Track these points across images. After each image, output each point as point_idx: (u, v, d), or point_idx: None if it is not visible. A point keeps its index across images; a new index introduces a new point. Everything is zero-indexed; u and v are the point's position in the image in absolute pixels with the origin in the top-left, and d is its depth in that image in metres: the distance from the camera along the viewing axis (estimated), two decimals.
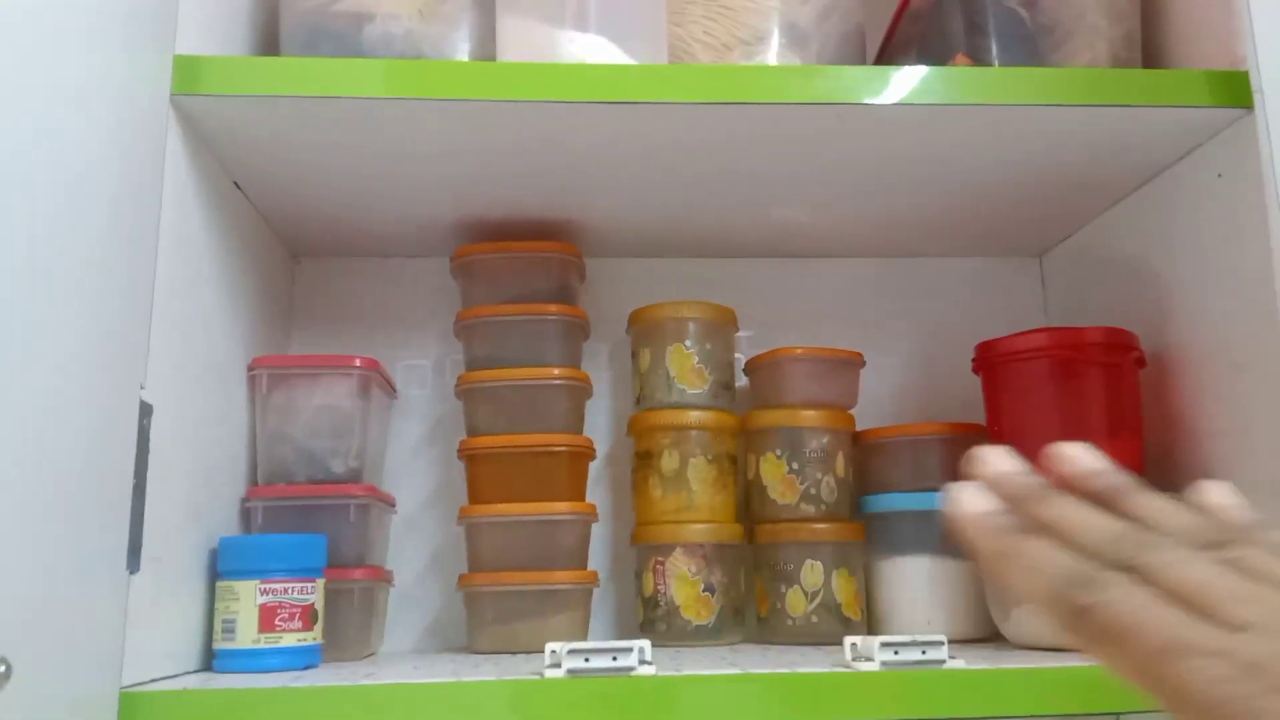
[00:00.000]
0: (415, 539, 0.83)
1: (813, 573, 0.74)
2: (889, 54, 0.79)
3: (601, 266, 0.88)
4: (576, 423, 0.78)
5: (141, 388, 0.54)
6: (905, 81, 0.63)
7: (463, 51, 0.69)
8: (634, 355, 0.82)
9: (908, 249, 0.90)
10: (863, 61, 0.77)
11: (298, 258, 0.87)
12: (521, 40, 0.65)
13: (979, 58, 0.69)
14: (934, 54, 0.72)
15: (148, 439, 0.55)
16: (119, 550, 0.52)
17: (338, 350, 0.85)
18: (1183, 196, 0.71)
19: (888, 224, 0.84)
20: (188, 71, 0.59)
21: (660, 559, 0.75)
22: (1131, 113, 0.64)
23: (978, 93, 0.63)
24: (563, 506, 0.73)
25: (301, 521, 0.70)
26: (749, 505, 0.79)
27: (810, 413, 0.77)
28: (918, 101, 0.63)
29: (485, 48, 0.69)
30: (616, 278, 0.89)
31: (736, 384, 0.82)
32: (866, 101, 0.62)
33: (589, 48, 0.64)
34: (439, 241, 0.84)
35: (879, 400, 0.86)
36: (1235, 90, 0.63)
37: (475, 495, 0.76)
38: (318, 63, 0.60)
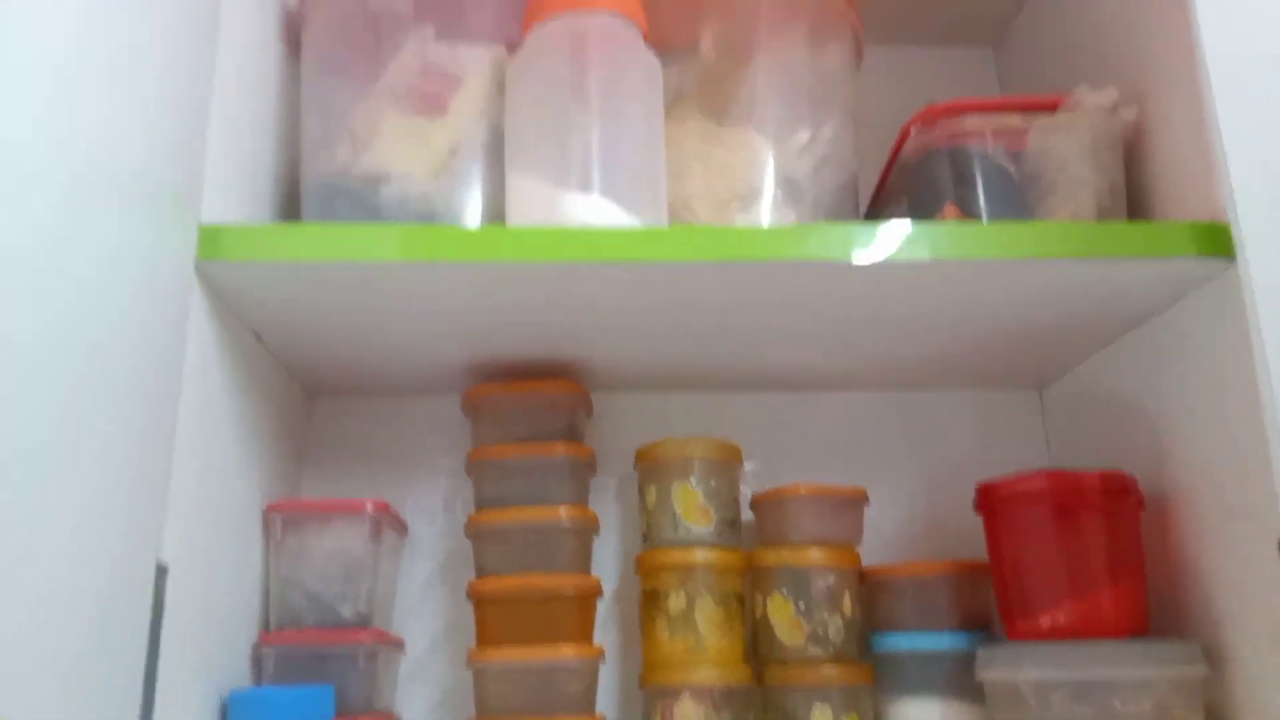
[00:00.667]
0: (424, 680, 0.83)
1: (822, 717, 0.74)
2: (881, 203, 0.83)
3: (608, 400, 0.90)
4: (584, 561, 0.79)
5: (158, 551, 0.56)
6: (894, 238, 0.65)
7: (474, 207, 0.72)
8: (641, 492, 0.83)
9: (909, 382, 0.92)
10: (856, 211, 0.80)
11: (314, 396, 0.90)
12: (529, 200, 0.69)
13: (967, 209, 0.72)
14: (924, 204, 0.75)
15: (163, 601, 0.56)
16: (131, 713, 0.53)
17: (350, 487, 0.88)
18: (1172, 341, 0.73)
19: (887, 362, 0.86)
20: (212, 240, 0.62)
21: (668, 703, 0.75)
22: (1117, 264, 0.66)
23: (966, 248, 0.65)
24: (570, 650, 0.74)
25: (312, 668, 0.70)
26: (757, 645, 0.79)
27: (816, 552, 0.78)
28: (907, 259, 0.65)
29: (495, 201, 0.73)
30: (623, 411, 0.91)
31: (742, 519, 0.83)
32: (857, 260, 0.65)
33: (593, 208, 0.67)
34: (450, 380, 0.86)
35: (884, 534, 0.87)
36: (1217, 242, 0.65)
37: (483, 637, 0.76)
38: (335, 229, 0.64)
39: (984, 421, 0.93)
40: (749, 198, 0.74)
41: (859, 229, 0.66)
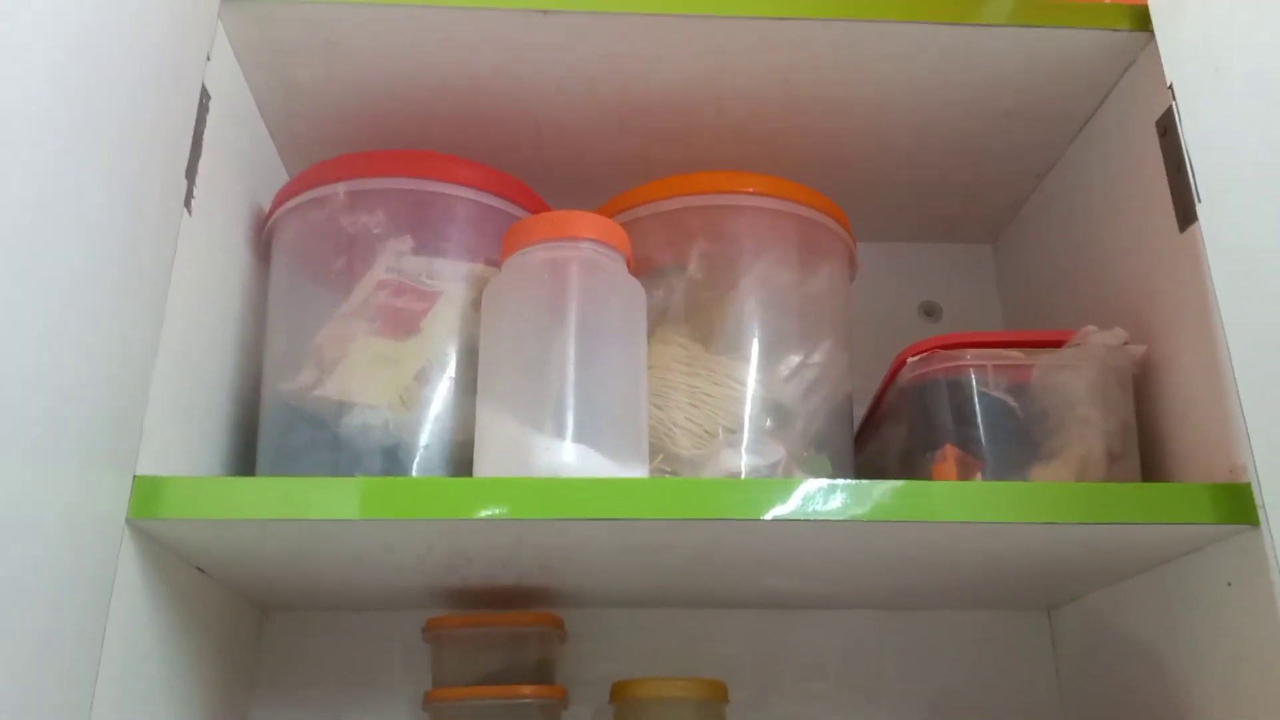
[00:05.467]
0: None
1: None
2: (876, 424, 0.78)
3: (583, 618, 0.84)
4: None
5: None
6: (885, 499, 0.60)
7: (442, 438, 0.68)
8: None
9: (907, 603, 0.86)
10: (850, 434, 0.76)
11: (266, 612, 0.84)
12: (500, 442, 0.64)
13: (968, 448, 0.68)
14: (921, 436, 0.71)
15: None
16: None
17: (305, 709, 0.81)
18: (1190, 592, 0.67)
19: (883, 586, 0.80)
20: (148, 494, 0.57)
21: None
22: (1126, 527, 0.61)
23: (963, 510, 0.60)
24: None
25: None
26: None
27: None
28: (900, 518, 0.60)
29: (465, 430, 0.68)
30: (599, 631, 0.84)
31: None
32: (846, 517, 0.60)
33: (568, 456, 0.62)
34: (413, 599, 0.81)
35: None
36: (1238, 506, 0.60)
37: None
38: (287, 484, 0.59)
39: (988, 643, 0.87)
40: (735, 430, 0.69)
41: (851, 488, 0.61)
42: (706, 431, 0.69)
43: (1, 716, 0.44)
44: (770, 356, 0.71)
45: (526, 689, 0.72)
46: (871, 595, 0.83)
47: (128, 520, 0.56)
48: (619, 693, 0.76)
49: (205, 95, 0.67)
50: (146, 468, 0.57)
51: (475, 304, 0.71)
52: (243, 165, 0.76)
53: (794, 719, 0.84)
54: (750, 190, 0.74)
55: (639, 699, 0.75)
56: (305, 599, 0.81)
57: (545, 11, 0.71)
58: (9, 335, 0.44)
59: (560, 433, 0.62)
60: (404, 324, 0.71)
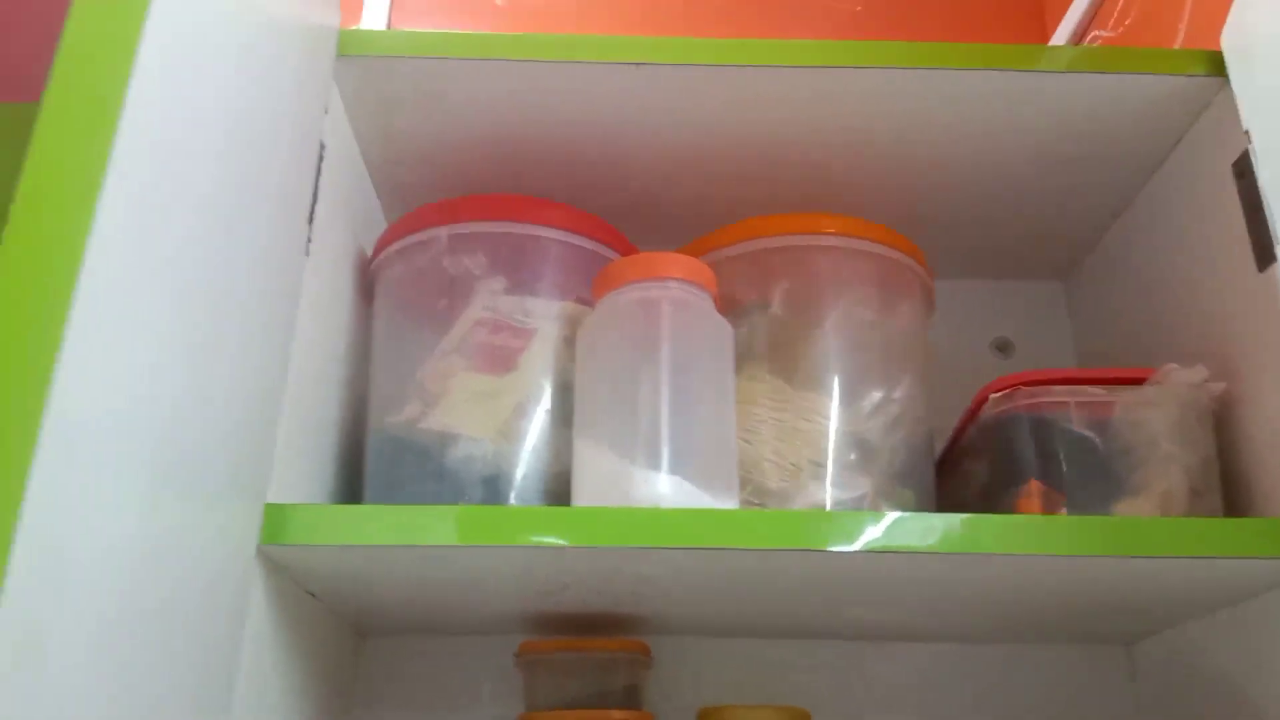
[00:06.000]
0: None
1: None
2: (956, 459, 0.80)
3: (669, 645, 0.87)
4: None
5: None
6: (972, 531, 0.62)
7: (540, 468, 0.71)
8: None
9: (990, 636, 0.87)
10: (931, 468, 0.78)
11: (364, 636, 0.87)
12: (596, 474, 0.67)
13: (1051, 483, 0.69)
14: (1004, 472, 0.72)
15: None
16: None
17: None
18: (1273, 627, 0.68)
19: (966, 619, 0.82)
20: (276, 521, 0.61)
21: None
22: (1209, 561, 0.62)
23: (1049, 544, 0.62)
24: None
25: None
26: None
27: None
28: (986, 551, 0.62)
29: (562, 461, 0.71)
30: (685, 659, 0.87)
31: None
32: (932, 550, 0.62)
33: (662, 487, 0.65)
34: (506, 624, 0.84)
35: None
36: None
37: None
38: (395, 512, 0.62)
39: (1068, 677, 0.88)
40: (821, 464, 0.71)
41: (938, 521, 0.62)
42: (794, 465, 0.71)
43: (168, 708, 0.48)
44: (853, 392, 0.74)
45: (616, 714, 0.75)
46: (953, 628, 0.85)
47: (259, 547, 0.60)
48: (705, 719, 0.78)
49: (322, 147, 0.71)
50: (275, 498, 0.62)
51: (568, 341, 0.75)
52: (349, 212, 0.81)
53: None
54: (831, 231, 0.77)
55: None
56: (401, 624, 0.85)
57: (637, 64, 0.75)
58: (167, 378, 0.48)
59: (655, 465, 0.65)
60: (502, 360, 0.74)
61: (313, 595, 0.73)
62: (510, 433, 0.72)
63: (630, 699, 0.77)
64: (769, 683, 0.85)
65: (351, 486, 0.77)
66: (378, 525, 0.61)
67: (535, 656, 0.78)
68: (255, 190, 0.58)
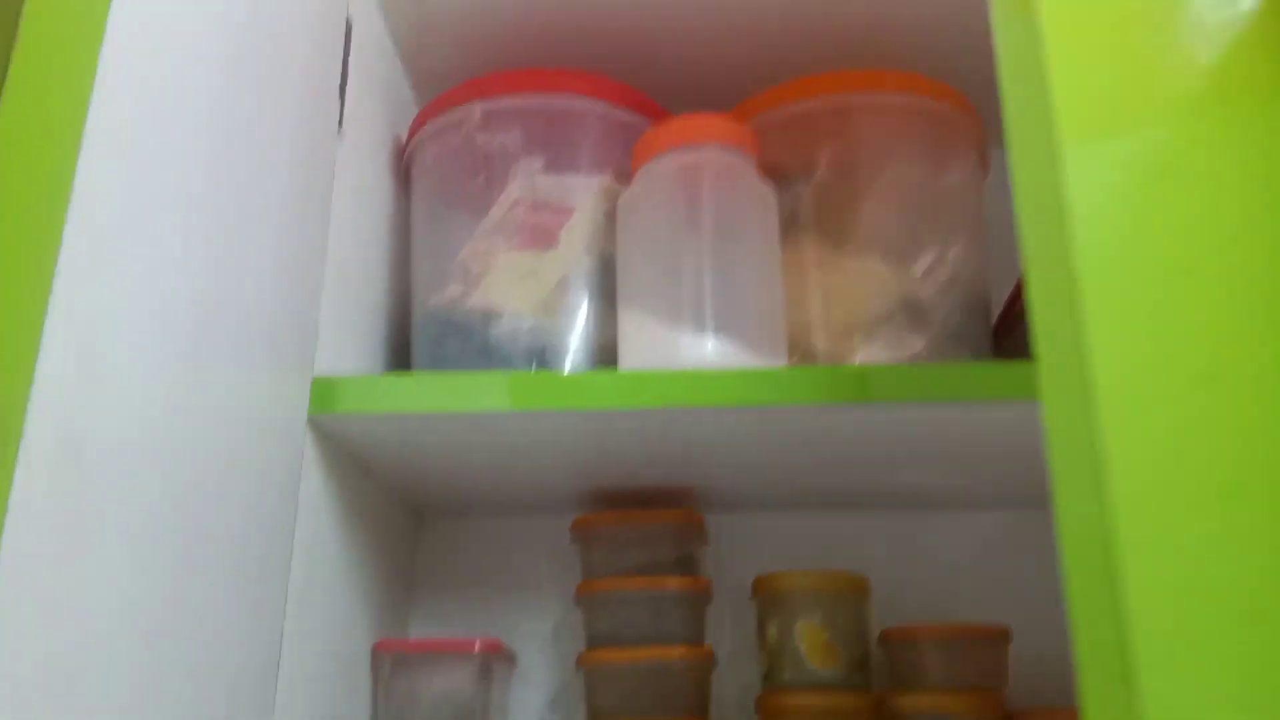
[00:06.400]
0: None
1: None
2: (1012, 321, 0.78)
3: (724, 522, 0.87)
4: (701, 702, 0.75)
5: (270, 716, 0.55)
6: (1022, 379, 0.60)
7: (585, 341, 0.70)
8: (760, 627, 0.79)
9: (1048, 502, 0.85)
10: (988, 330, 0.76)
11: (420, 518, 0.89)
12: (641, 340, 0.66)
13: None
14: None
15: None
16: None
17: (459, 614, 0.86)
18: None
19: (1023, 482, 0.80)
20: (325, 393, 0.62)
21: None
22: None
23: None
24: None
25: None
26: None
27: (955, 699, 0.72)
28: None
29: (606, 334, 0.71)
30: (739, 534, 0.87)
31: (872, 659, 0.78)
32: (983, 400, 0.60)
33: (708, 348, 0.64)
34: (560, 502, 0.85)
35: (1025, 676, 0.80)
36: None
37: None
38: (444, 379, 0.63)
39: None
40: (872, 326, 0.70)
41: (990, 370, 0.61)
42: (844, 328, 0.70)
43: (218, 594, 0.49)
44: (904, 254, 0.72)
45: (672, 581, 0.75)
46: (1010, 493, 0.83)
47: (309, 417, 0.61)
48: (761, 587, 0.78)
49: (349, 24, 0.70)
50: (323, 370, 0.62)
51: (609, 215, 0.73)
52: (381, 94, 0.80)
53: (932, 614, 0.84)
54: (881, 88, 0.74)
55: (782, 592, 0.77)
56: (458, 505, 0.86)
57: None
58: (207, 252, 0.48)
59: (701, 328, 0.64)
60: (543, 237, 0.74)
61: (368, 473, 0.74)
62: (553, 308, 0.71)
63: (685, 569, 0.78)
64: (826, 555, 0.85)
65: (399, 369, 0.77)
66: (428, 392, 0.62)
67: (590, 531, 0.79)
68: (282, 60, 0.58)
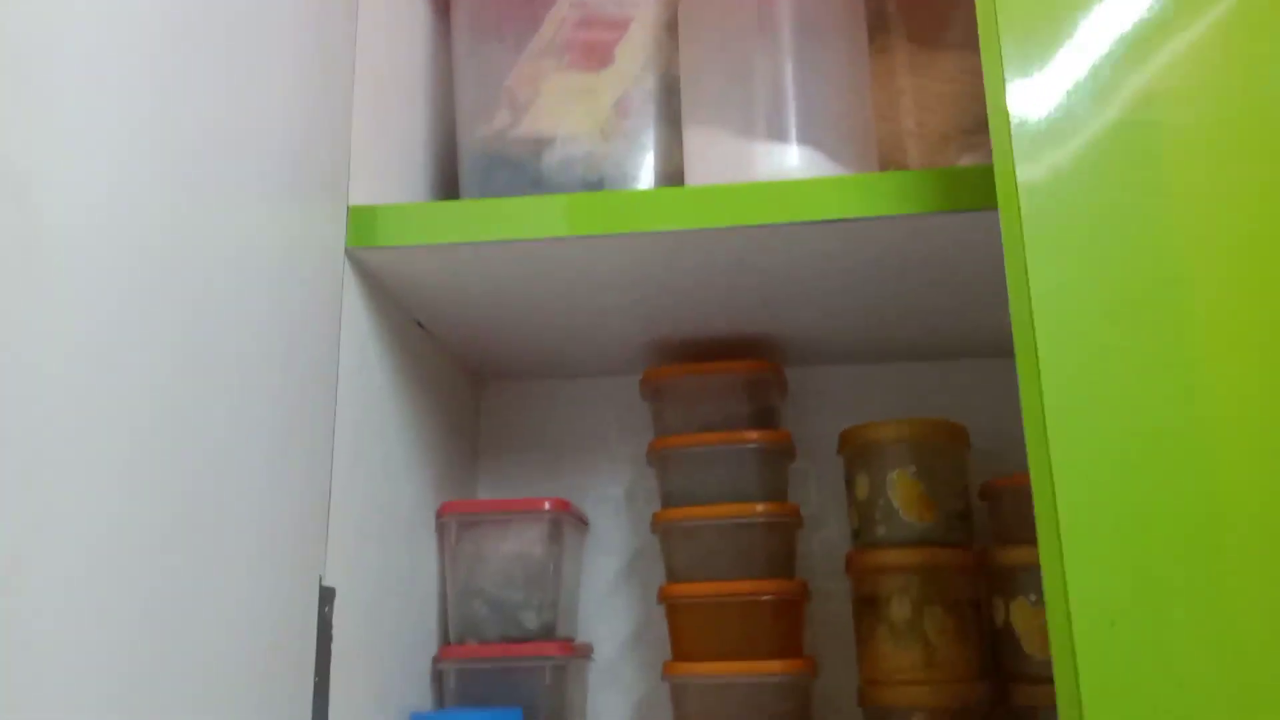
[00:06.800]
0: (616, 689, 0.76)
1: None
2: None
3: (806, 376, 0.80)
4: (787, 562, 0.70)
5: (321, 571, 0.51)
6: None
7: (647, 168, 0.64)
8: (849, 482, 0.72)
9: None
10: None
11: (482, 381, 0.84)
12: (711, 155, 0.59)
13: None
14: None
15: (329, 627, 0.51)
16: None
17: (526, 477, 0.82)
18: None
19: None
20: (362, 223, 0.56)
21: None
22: None
23: None
24: (777, 666, 0.65)
25: (496, 684, 0.64)
26: (998, 658, 0.68)
27: None
28: None
29: (671, 160, 0.64)
30: (823, 388, 0.81)
31: (973, 513, 0.72)
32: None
33: (789, 158, 0.56)
34: (629, 359, 0.79)
35: None
36: None
37: (678, 649, 0.68)
38: (492, 205, 0.56)
39: None
40: (973, 132, 0.61)
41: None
42: (942, 135, 0.61)
43: (259, 423, 0.45)
44: None
45: (752, 434, 0.69)
46: None
47: (347, 250, 0.55)
48: (849, 440, 0.72)
49: None
50: (359, 200, 0.56)
51: (669, 26, 0.65)
52: None
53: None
54: None
55: (873, 443, 0.70)
56: (519, 365, 0.80)
57: None
58: (221, 81, 0.42)
59: (779, 138, 0.57)
60: (596, 54, 0.66)
61: (421, 326, 0.68)
62: (611, 131, 0.64)
63: (765, 422, 0.72)
64: (918, 408, 0.78)
65: None
66: (476, 219, 0.55)
67: (661, 385, 0.73)
68: None
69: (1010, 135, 0.44)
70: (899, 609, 0.67)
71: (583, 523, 0.76)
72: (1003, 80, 0.45)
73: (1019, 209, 0.43)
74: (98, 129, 0.35)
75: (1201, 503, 0.38)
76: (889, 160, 0.62)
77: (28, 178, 0.31)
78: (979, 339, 0.76)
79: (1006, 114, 0.45)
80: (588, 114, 0.64)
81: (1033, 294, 0.42)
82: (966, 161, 0.61)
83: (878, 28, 0.65)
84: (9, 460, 0.30)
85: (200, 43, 0.42)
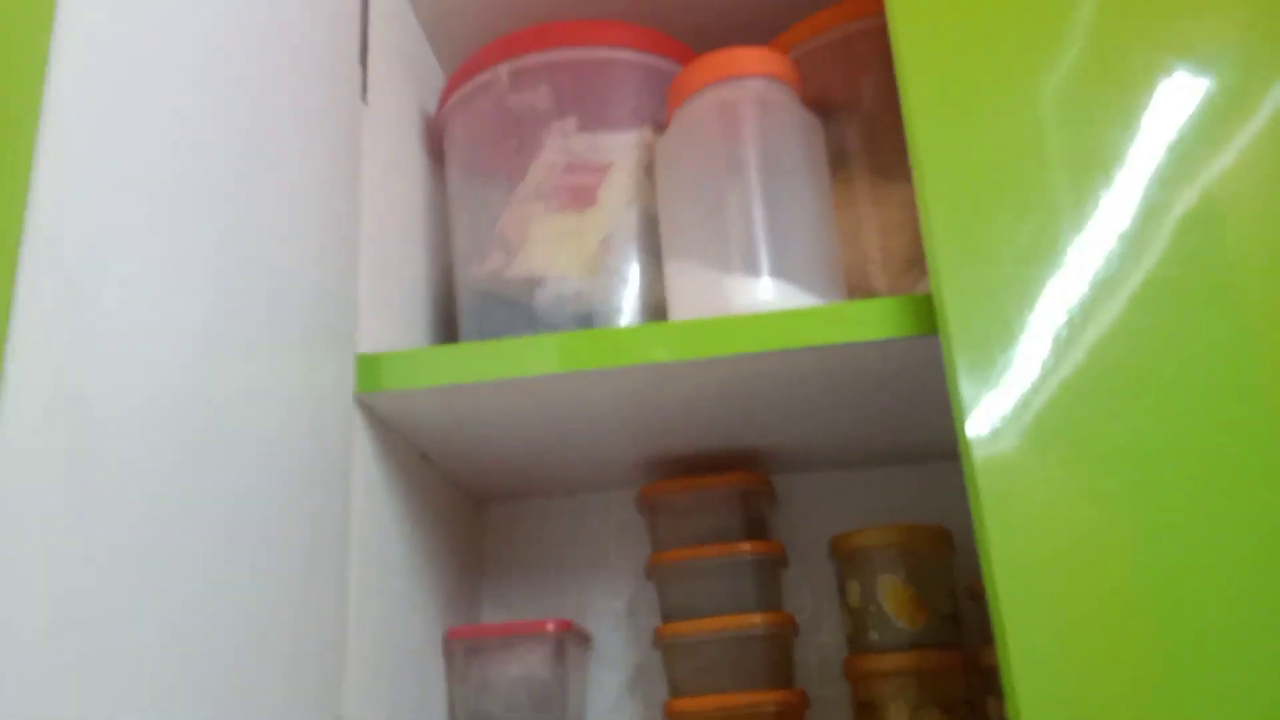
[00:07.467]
0: None
1: None
2: None
3: (793, 482, 0.83)
4: (786, 670, 0.72)
5: (339, 716, 0.53)
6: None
7: (633, 301, 0.68)
8: (841, 588, 0.75)
9: None
10: None
11: (482, 504, 0.87)
12: (691, 288, 0.63)
13: None
14: None
15: None
16: None
17: (530, 598, 0.84)
18: None
19: None
20: (370, 370, 0.59)
21: None
22: None
23: None
24: None
25: None
26: None
27: None
28: None
29: (655, 292, 0.68)
30: (810, 493, 0.84)
31: (961, 613, 0.74)
32: None
33: (762, 290, 0.60)
34: (623, 475, 0.82)
35: None
36: None
37: None
38: (490, 347, 0.60)
39: None
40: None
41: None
42: (906, 260, 0.66)
43: (280, 574, 0.47)
44: None
45: (745, 545, 0.72)
46: None
47: (355, 396, 0.59)
48: (839, 546, 0.74)
49: None
50: (366, 348, 0.60)
51: (648, 170, 0.70)
52: (406, 67, 0.77)
53: None
54: None
55: (862, 550, 0.73)
56: (518, 487, 0.83)
57: None
58: (235, 230, 0.46)
59: (753, 271, 0.61)
60: (581, 197, 0.71)
61: (424, 458, 0.71)
62: (598, 268, 0.68)
63: (757, 533, 0.74)
64: (903, 510, 0.81)
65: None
66: (474, 360, 0.59)
67: (656, 500, 0.76)
68: (294, 25, 0.55)
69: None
70: (897, 714, 0.68)
71: (586, 639, 0.78)
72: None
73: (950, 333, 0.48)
74: (143, 337, 0.39)
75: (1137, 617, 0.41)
76: (856, 285, 0.66)
77: (83, 392, 0.35)
78: (953, 442, 0.79)
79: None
80: (575, 252, 0.69)
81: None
82: (925, 286, 0.65)
83: (839, 159, 0.70)
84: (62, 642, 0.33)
85: (219, 197, 0.46)
